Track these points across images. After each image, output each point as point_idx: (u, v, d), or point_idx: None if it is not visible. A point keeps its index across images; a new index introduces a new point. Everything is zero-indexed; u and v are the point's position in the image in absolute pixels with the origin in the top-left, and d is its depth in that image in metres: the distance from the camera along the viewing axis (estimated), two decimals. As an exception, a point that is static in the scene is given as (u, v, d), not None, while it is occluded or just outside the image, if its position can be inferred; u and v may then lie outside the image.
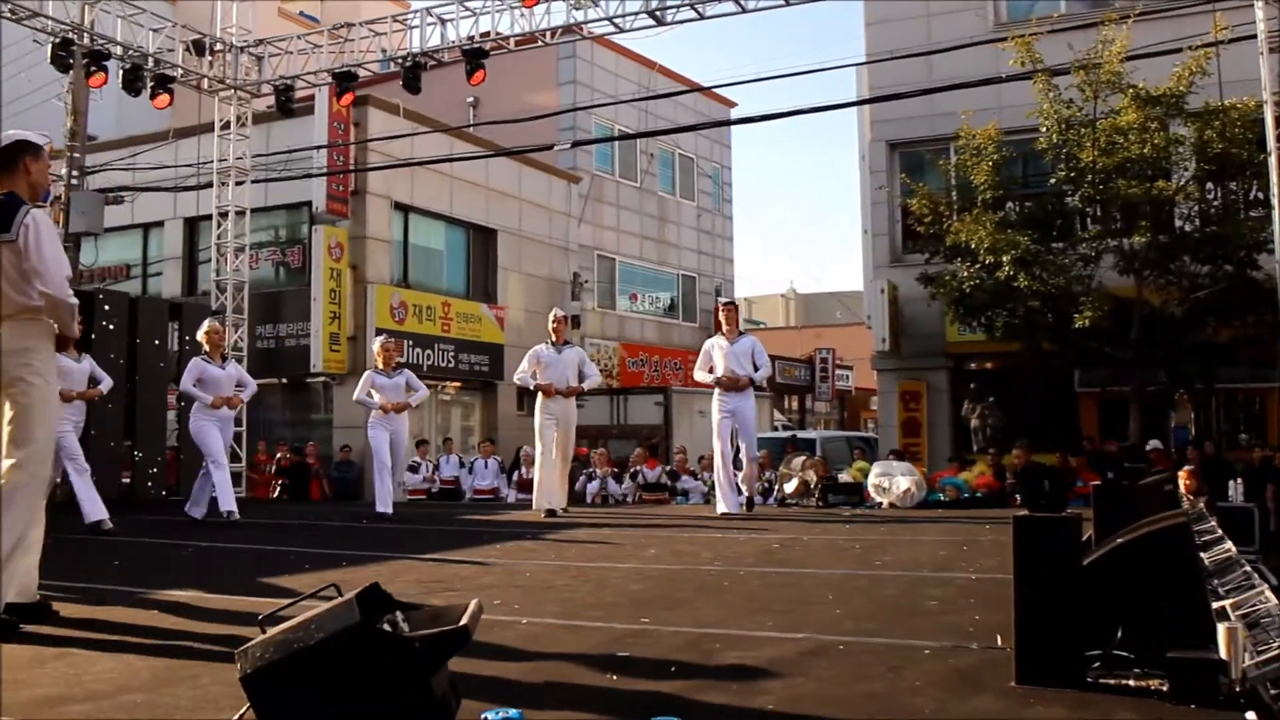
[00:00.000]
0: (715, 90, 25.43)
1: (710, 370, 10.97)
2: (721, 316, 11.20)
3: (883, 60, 17.19)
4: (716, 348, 11.00)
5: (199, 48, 16.51)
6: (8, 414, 4.59)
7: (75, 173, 16.81)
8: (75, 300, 4.73)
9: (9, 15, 13.81)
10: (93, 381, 10.49)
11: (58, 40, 14.57)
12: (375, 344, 11.82)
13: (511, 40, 15.24)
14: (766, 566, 6.35)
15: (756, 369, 10.94)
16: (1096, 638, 3.31)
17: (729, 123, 28.97)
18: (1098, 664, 3.29)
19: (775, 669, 3.50)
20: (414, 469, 16.97)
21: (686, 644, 3.94)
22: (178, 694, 3.24)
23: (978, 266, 15.51)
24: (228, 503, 10.29)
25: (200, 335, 10.94)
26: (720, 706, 3.03)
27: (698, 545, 7.75)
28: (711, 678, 3.38)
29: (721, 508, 10.71)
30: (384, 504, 11.12)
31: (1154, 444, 14.70)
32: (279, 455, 17.83)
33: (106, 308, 14.31)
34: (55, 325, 4.72)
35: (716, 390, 10.89)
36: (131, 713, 3.00)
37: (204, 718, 2.87)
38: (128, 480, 14.64)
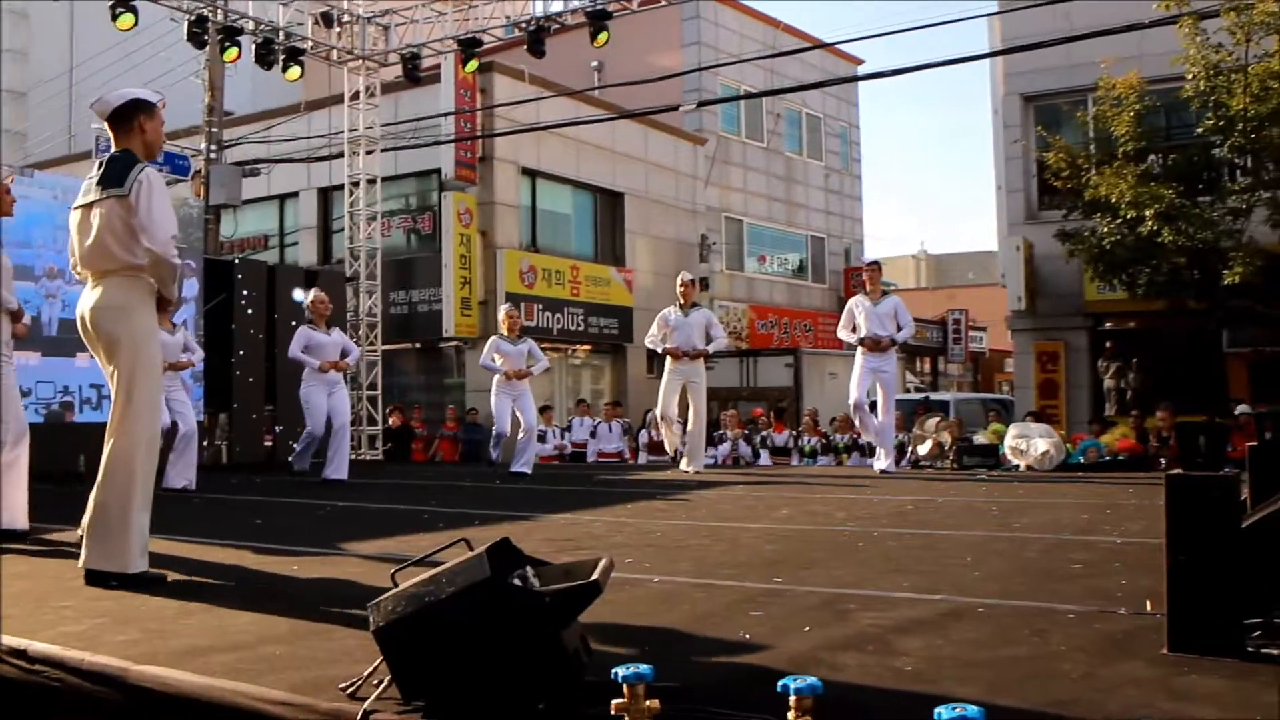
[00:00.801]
0: (842, 47, 24.98)
1: (853, 330, 11.00)
2: (865, 276, 11.17)
3: (1017, 9, 16.62)
4: (860, 308, 11.03)
5: (327, 20, 16.80)
6: (113, 373, 4.64)
7: (213, 147, 17.28)
8: (178, 261, 4.73)
9: (147, -5, 14.19)
10: (187, 352, 10.82)
11: (193, 18, 14.94)
12: (501, 311, 12.02)
13: (635, 1, 15.14)
14: (901, 528, 6.24)
15: (900, 329, 10.88)
16: (1257, 605, 3.13)
17: (856, 79, 28.41)
18: (1258, 632, 3.10)
19: (913, 630, 3.40)
20: (541, 437, 17.05)
21: (821, 604, 3.87)
22: (315, 646, 3.29)
23: (1119, 221, 14.97)
24: (303, 462, 11.09)
25: (306, 304, 11.38)
26: (856, 666, 2.95)
27: (830, 506, 7.65)
28: (847, 638, 3.30)
29: (880, 465, 11.01)
30: (522, 464, 11.53)
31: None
32: (389, 417, 18.07)
33: (242, 277, 14.70)
34: (155, 285, 4.71)
35: (859, 350, 10.87)
36: (272, 664, 3.05)
37: (340, 669, 2.89)
38: (269, 444, 15.09)
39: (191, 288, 14.07)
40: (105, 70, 22.56)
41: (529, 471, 11.50)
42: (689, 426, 11.54)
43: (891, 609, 3.73)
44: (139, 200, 4.52)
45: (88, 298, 4.68)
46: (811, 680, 2.14)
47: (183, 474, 10.04)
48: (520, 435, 11.78)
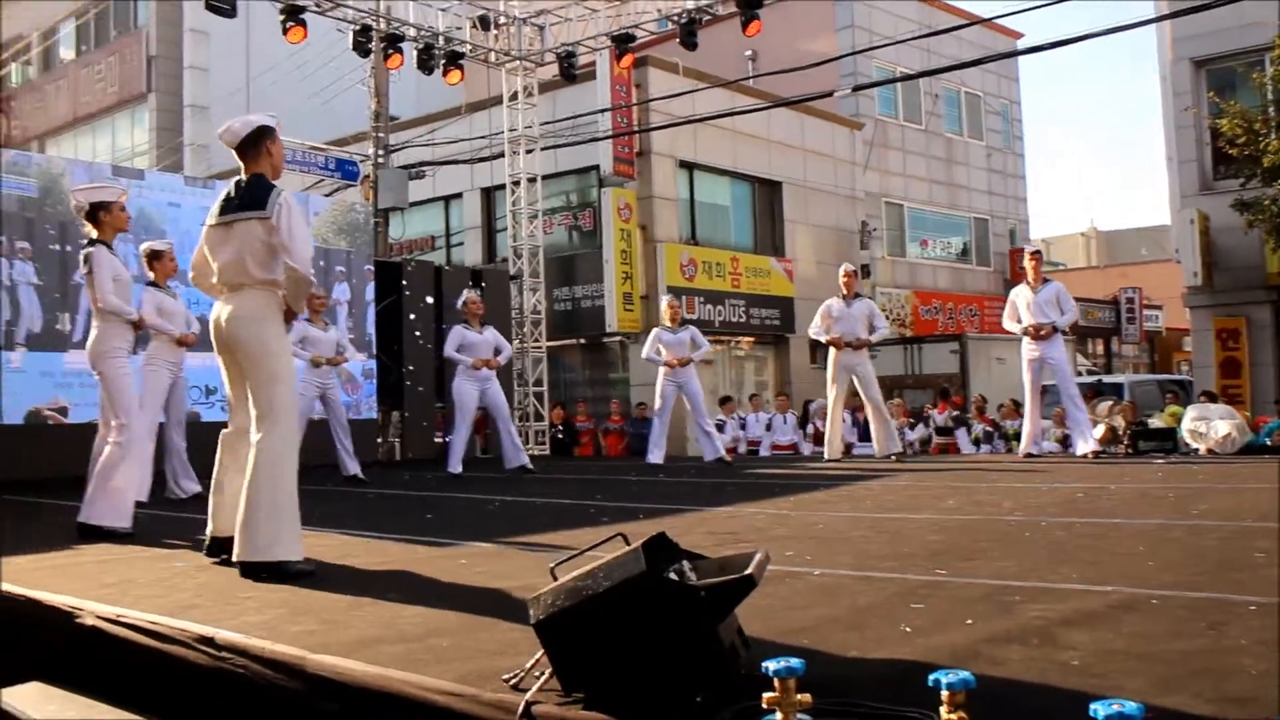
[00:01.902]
0: (1000, 22, 24.31)
1: (1017, 320, 10.95)
2: (1027, 265, 11.02)
3: (1185, -29, 15.95)
4: (1021, 297, 10.96)
5: (485, 23, 17.12)
6: (249, 382, 4.97)
7: (380, 152, 17.80)
8: (313, 278, 5.13)
9: (314, 9, 14.70)
10: (340, 349, 11.33)
11: (358, 28, 15.43)
12: (663, 302, 12.23)
13: (788, -12, 15.04)
14: (1071, 516, 6.06)
15: (1063, 314, 10.75)
16: None
17: (1016, 54, 27.58)
18: None
19: (1081, 623, 3.31)
20: (720, 427, 17.02)
21: (984, 596, 3.80)
22: (480, 638, 3.38)
23: (1302, 187, 14.26)
24: (455, 465, 11.27)
25: (460, 304, 11.74)
26: (1019, 660, 2.90)
27: (998, 495, 7.50)
28: (1010, 631, 3.23)
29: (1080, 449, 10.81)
30: (711, 450, 12.02)
31: None
32: (553, 413, 18.30)
33: (411, 278, 15.13)
34: (284, 298, 5.05)
35: (1024, 339, 10.82)
36: (439, 655, 3.15)
37: (504, 661, 2.97)
38: (440, 440, 15.50)
39: (368, 290, 14.56)
40: (279, 83, 23.46)
41: (725, 457, 12.08)
42: (871, 416, 11.63)
43: (1058, 601, 3.64)
44: (281, 222, 4.88)
45: (223, 307, 5.03)
46: (964, 675, 2.11)
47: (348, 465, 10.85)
48: (691, 426, 12.12)
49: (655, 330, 12.14)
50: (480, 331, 11.45)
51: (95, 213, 6.70)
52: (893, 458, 11.42)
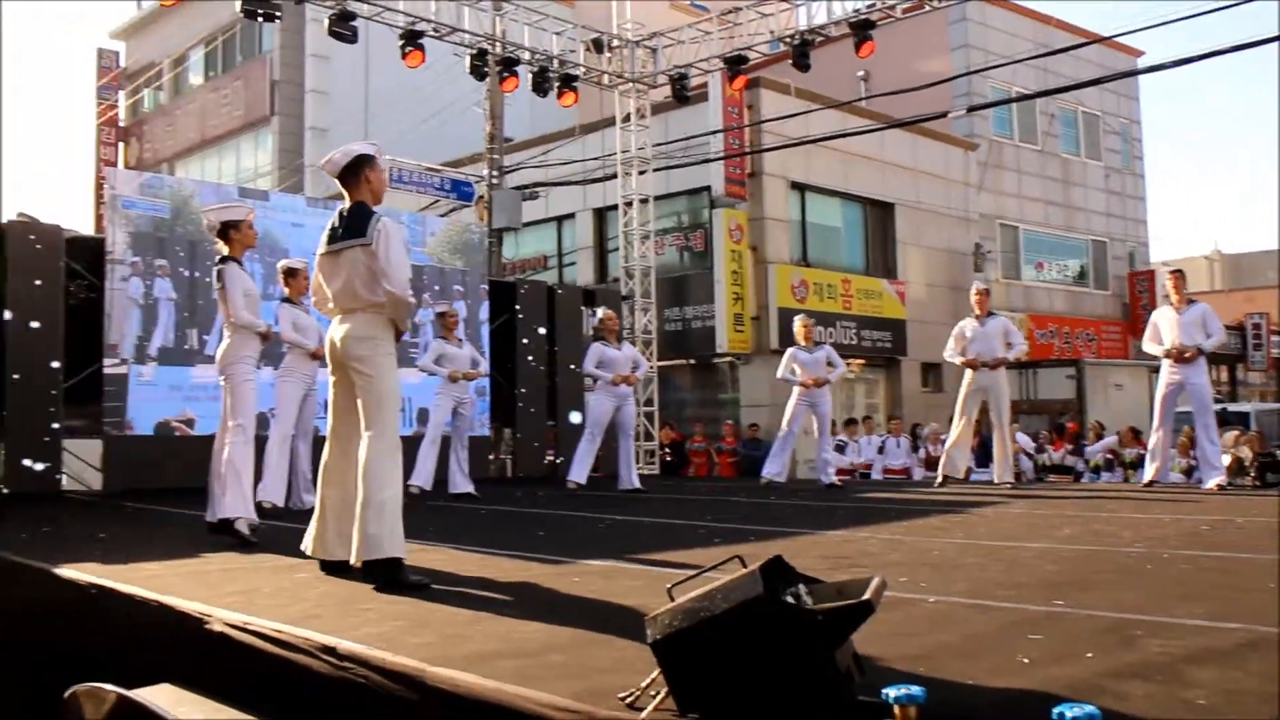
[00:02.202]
0: (1119, 40, 23.77)
1: (1159, 342, 10.51)
2: (1170, 285, 10.62)
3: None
4: (1164, 318, 10.50)
5: (598, 45, 17.30)
6: (359, 396, 5.21)
7: (495, 173, 18.09)
8: (413, 300, 5.32)
9: (432, 34, 15.02)
10: (475, 364, 11.51)
11: (474, 52, 15.71)
12: (796, 321, 12.25)
13: (899, 8, 14.94)
14: (1195, 549, 5.90)
15: (1209, 336, 10.31)
16: None
17: (1136, 73, 26.90)
18: None
19: (1206, 660, 3.22)
20: (840, 449, 16.85)
21: (1104, 629, 3.72)
22: (596, 655, 3.41)
23: None
24: (578, 473, 11.43)
25: (596, 321, 11.94)
26: (1142, 696, 2.83)
27: (1116, 525, 7.32)
28: (1133, 665, 3.16)
29: (1210, 482, 10.28)
30: (826, 475, 12.11)
31: None
32: (663, 433, 18.35)
33: (524, 297, 15.32)
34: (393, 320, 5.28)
35: (1165, 362, 10.42)
36: (555, 671, 3.19)
37: (617, 679, 3.00)
38: (551, 457, 15.63)
39: (482, 310, 14.80)
40: (397, 105, 23.99)
41: (834, 481, 12.08)
42: (995, 440, 11.40)
43: (1182, 637, 3.55)
44: (379, 248, 5.11)
45: (338, 328, 5.29)
46: (1089, 708, 2.08)
47: (461, 482, 11.05)
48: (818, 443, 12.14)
49: (791, 350, 12.17)
50: (618, 348, 11.64)
51: (226, 231, 6.99)
52: (1008, 485, 11.19)
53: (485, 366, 12.19)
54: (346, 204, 5.36)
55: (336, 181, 5.39)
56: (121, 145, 37.04)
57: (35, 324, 11.09)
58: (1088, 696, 2.63)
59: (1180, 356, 10.21)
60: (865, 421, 18.61)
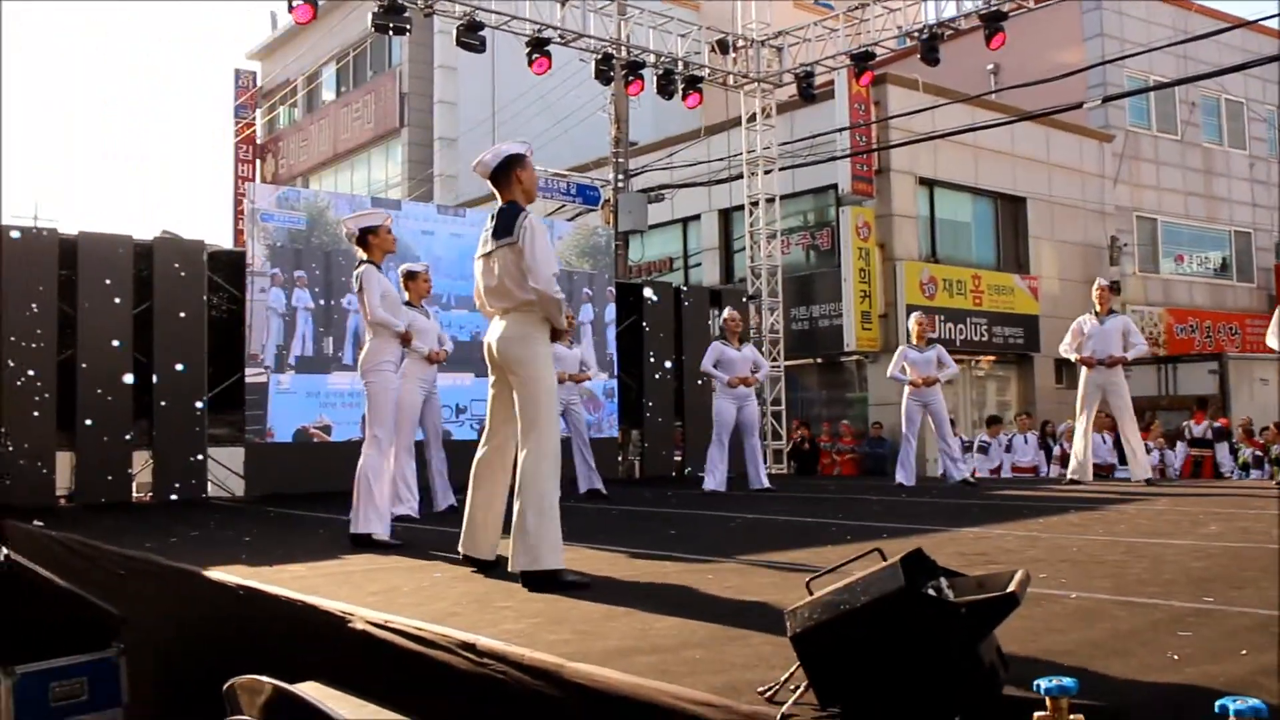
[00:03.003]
0: (1265, 23, 22.93)
1: None
2: None
3: None
4: None
5: (723, 46, 17.31)
6: (516, 398, 5.21)
7: (620, 176, 18.21)
8: (561, 295, 5.27)
9: (558, 40, 15.19)
10: (583, 367, 11.60)
11: (599, 57, 15.83)
12: (910, 319, 12.06)
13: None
14: (1354, 545, 5.66)
15: None
16: None
17: (1284, 57, 25.94)
18: None
19: (1370, 657, 3.10)
20: (984, 449, 16.58)
21: (1256, 626, 3.59)
22: (732, 651, 3.41)
23: None
24: (713, 482, 11.41)
25: (720, 321, 12.00)
26: (1304, 693, 2.73)
27: (1265, 523, 7.05)
28: (1290, 662, 3.05)
29: None
30: (956, 471, 11.89)
31: None
32: (796, 432, 18.28)
33: (653, 299, 15.38)
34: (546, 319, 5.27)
35: None
36: (692, 666, 3.20)
37: (756, 674, 3.00)
38: (679, 458, 15.68)
39: (609, 312, 14.90)
40: (523, 113, 24.30)
41: (970, 478, 11.98)
42: (1123, 436, 11.17)
43: (1341, 634, 3.41)
44: (525, 246, 5.14)
45: (495, 330, 5.34)
46: (1254, 703, 2.01)
47: (589, 480, 11.14)
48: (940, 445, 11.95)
49: (901, 348, 12.00)
50: (739, 348, 11.65)
51: (364, 237, 7.15)
52: (1144, 483, 10.87)
53: (595, 371, 12.27)
54: (498, 204, 5.41)
55: (488, 183, 5.43)
56: (258, 162, 38.29)
57: (180, 335, 11.49)
58: (1244, 692, 2.54)
59: None
60: (1019, 419, 18.14)
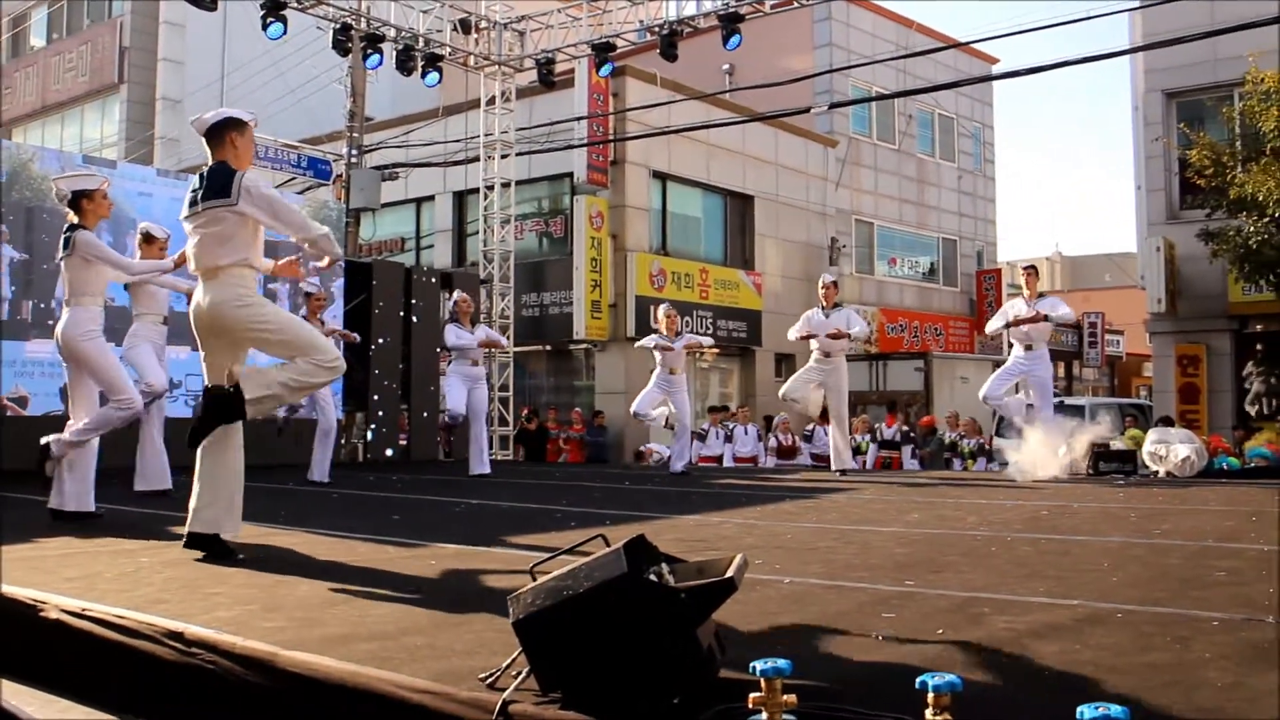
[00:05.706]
0: (975, 46, 24.54)
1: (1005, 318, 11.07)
2: (1022, 280, 11.25)
3: (1159, 3, 16.12)
4: (1015, 307, 11.07)
5: (465, 26, 17.13)
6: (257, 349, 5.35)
7: (354, 152, 17.75)
8: (324, 229, 5.35)
9: (295, 6, 14.65)
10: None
11: (338, 26, 15.39)
12: (659, 310, 12.34)
13: (767, 4, 15.13)
14: (1035, 533, 6.12)
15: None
16: None
17: (990, 79, 27.81)
18: None
19: (1049, 635, 3.35)
20: (701, 436, 16.89)
21: (954, 607, 3.84)
22: (453, 637, 3.38)
23: (1266, 220, 14.51)
24: (481, 466, 11.56)
25: (451, 304, 12.04)
26: (994, 669, 2.93)
27: (962, 510, 7.55)
28: (982, 640, 3.27)
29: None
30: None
31: None
32: (523, 418, 18.37)
33: (380, 278, 15.08)
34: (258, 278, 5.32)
35: (1014, 350, 11.06)
36: (413, 653, 3.14)
37: (478, 660, 2.97)
38: (404, 442, 15.44)
39: (338, 289, 14.49)
40: (255, 79, 23.33)
41: (684, 470, 12.01)
42: (832, 429, 11.67)
43: (1026, 613, 3.68)
44: (259, 205, 5.05)
45: (203, 294, 5.15)
46: (950, 677, 2.14)
47: (319, 468, 10.62)
48: (675, 431, 12.12)
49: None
50: (472, 330, 11.68)
51: (78, 200, 6.69)
52: (841, 473, 11.41)
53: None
54: (209, 164, 5.19)
55: (202, 141, 5.24)
56: (-48, 107, 35.34)
57: None
58: (941, 668, 2.70)
59: (1031, 320, 10.66)
60: (742, 410, 18.65)
